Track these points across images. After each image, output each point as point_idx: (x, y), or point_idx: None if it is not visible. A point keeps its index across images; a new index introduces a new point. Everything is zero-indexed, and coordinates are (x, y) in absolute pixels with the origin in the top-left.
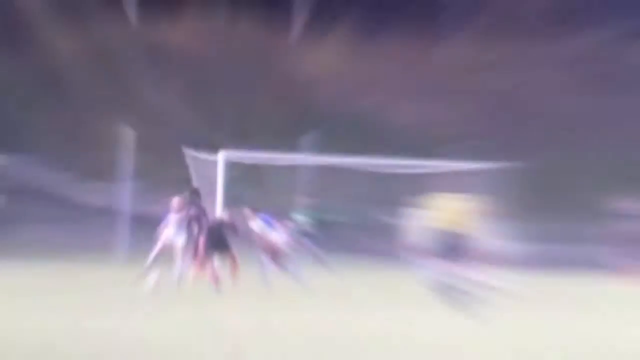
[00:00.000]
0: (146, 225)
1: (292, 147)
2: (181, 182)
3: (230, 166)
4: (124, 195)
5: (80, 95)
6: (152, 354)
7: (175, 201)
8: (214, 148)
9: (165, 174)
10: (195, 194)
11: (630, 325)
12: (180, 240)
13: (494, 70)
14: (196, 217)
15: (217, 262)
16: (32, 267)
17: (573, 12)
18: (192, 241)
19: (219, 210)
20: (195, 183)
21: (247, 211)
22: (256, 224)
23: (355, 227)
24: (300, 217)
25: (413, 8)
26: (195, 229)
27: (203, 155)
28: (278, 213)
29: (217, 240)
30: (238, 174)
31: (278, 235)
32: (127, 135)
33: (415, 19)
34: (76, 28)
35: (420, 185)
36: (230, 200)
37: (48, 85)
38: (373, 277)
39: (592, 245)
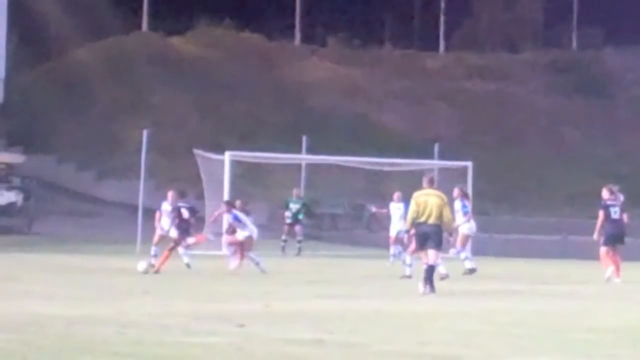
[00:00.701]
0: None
1: (290, 147)
2: (192, 179)
3: (235, 165)
4: (141, 191)
5: (101, 101)
6: (167, 329)
7: (170, 194)
8: (220, 149)
9: (178, 172)
10: (181, 193)
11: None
12: (173, 231)
13: (472, 77)
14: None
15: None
16: (54, 259)
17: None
18: (183, 231)
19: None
20: (205, 180)
21: (223, 206)
22: (228, 218)
23: (346, 218)
24: (294, 206)
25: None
26: (184, 220)
27: (211, 155)
28: (275, 206)
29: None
30: (242, 171)
31: (245, 231)
32: (144, 137)
33: (401, 30)
34: (94, 36)
35: (404, 181)
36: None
37: (71, 90)
38: (354, 262)
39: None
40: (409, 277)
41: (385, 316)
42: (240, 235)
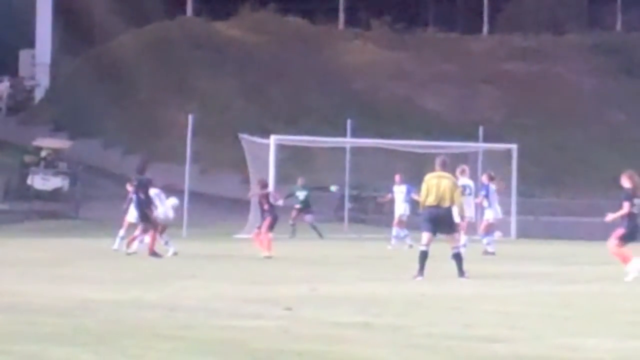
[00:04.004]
0: (205, 203)
1: (334, 131)
2: (238, 163)
3: (280, 149)
4: (187, 175)
5: (146, 85)
6: (215, 312)
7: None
8: (265, 133)
9: (223, 156)
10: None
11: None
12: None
13: (516, 60)
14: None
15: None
16: (100, 243)
17: None
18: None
19: (270, 187)
20: (250, 164)
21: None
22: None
23: (391, 201)
24: (301, 194)
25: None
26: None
27: (256, 139)
28: (320, 190)
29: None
30: (287, 155)
31: (163, 210)
32: (189, 122)
33: (444, 13)
34: (139, 22)
35: (449, 164)
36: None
37: (116, 76)
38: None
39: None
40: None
41: (430, 299)
42: (159, 210)
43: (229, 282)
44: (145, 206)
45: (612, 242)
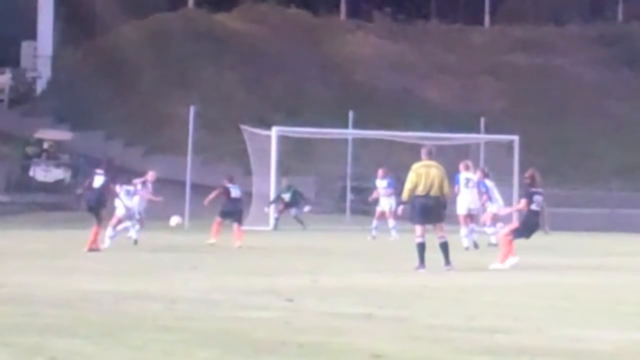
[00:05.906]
0: (207, 194)
1: (336, 122)
2: (239, 155)
3: (282, 140)
4: (189, 167)
5: (147, 77)
6: (216, 304)
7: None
8: (267, 124)
9: (225, 148)
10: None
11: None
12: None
13: (518, 51)
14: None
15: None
16: (102, 235)
17: None
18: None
19: (272, 179)
20: (252, 156)
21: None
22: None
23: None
24: (286, 195)
25: None
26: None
27: (258, 131)
28: (323, 181)
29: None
30: (288, 146)
31: (132, 205)
32: (191, 114)
33: (446, 5)
34: (140, 13)
35: (450, 155)
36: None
37: (117, 67)
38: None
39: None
40: (467, 248)
41: (432, 290)
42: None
43: (230, 274)
44: (99, 201)
45: (504, 231)
